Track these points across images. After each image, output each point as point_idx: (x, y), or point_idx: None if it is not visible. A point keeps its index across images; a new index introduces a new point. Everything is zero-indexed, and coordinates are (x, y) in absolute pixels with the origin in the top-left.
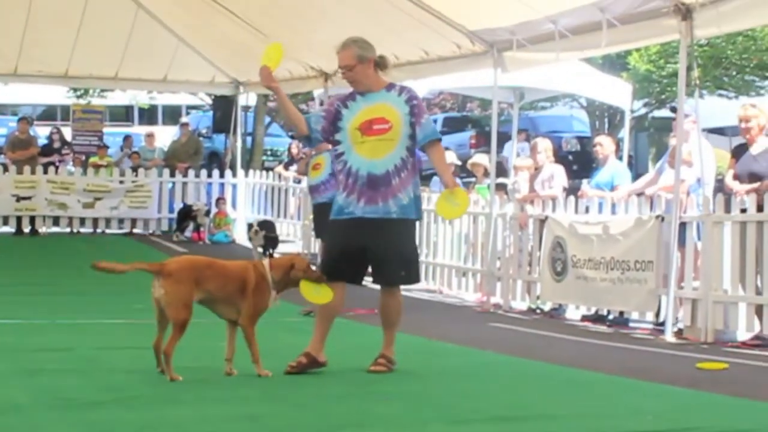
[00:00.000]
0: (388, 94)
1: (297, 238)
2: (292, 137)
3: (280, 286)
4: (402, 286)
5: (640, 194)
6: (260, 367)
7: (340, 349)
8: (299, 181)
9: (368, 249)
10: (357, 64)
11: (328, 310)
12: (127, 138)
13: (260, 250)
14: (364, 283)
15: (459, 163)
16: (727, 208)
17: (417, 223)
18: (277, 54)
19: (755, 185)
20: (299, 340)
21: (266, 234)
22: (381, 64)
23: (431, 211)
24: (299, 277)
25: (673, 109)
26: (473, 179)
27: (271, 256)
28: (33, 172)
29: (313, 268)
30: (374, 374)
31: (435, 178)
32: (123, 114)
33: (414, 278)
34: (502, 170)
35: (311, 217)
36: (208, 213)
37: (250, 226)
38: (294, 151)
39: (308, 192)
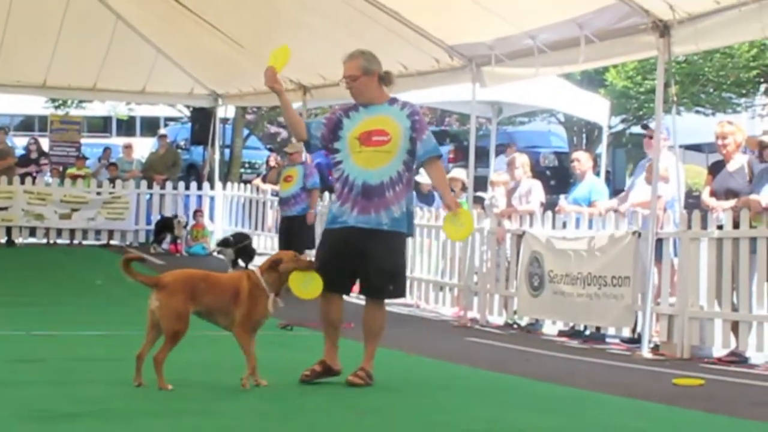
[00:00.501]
0: (391, 108)
1: (275, 250)
2: (270, 150)
3: (275, 287)
4: (388, 301)
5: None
6: (257, 377)
7: (314, 362)
8: (277, 194)
9: (358, 258)
10: (361, 75)
11: (330, 323)
12: (106, 149)
13: (233, 262)
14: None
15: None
16: (704, 225)
17: (408, 239)
18: (284, 56)
19: (732, 202)
20: (276, 354)
21: (238, 247)
22: (386, 79)
23: None
24: (290, 269)
25: (644, 126)
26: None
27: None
28: (10, 182)
29: (301, 258)
30: (351, 387)
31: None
32: (101, 125)
33: (400, 293)
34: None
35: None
36: (186, 225)
37: (224, 241)
38: (272, 163)
39: (279, 203)
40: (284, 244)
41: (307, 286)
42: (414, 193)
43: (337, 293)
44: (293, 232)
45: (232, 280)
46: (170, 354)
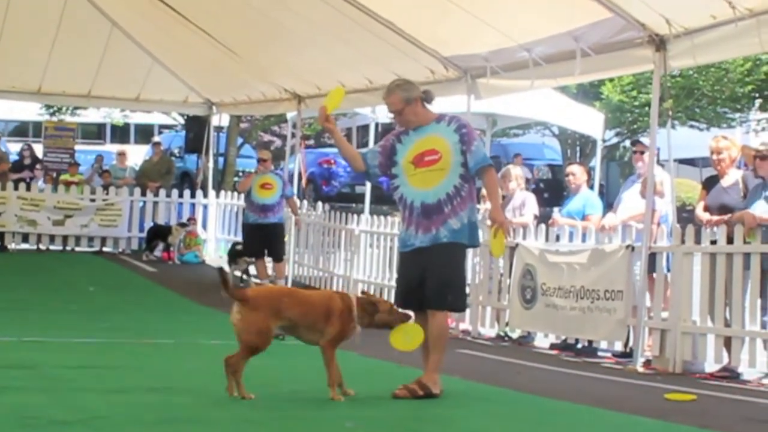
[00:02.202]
0: (438, 126)
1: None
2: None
3: (362, 323)
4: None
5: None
6: (334, 391)
7: (304, 373)
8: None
9: (423, 276)
10: (405, 107)
11: (423, 346)
12: (98, 156)
13: (238, 274)
14: None
15: None
16: (697, 240)
17: (469, 250)
18: (338, 97)
19: (725, 217)
20: (266, 363)
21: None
22: (426, 99)
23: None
24: (384, 320)
25: (633, 143)
26: None
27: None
28: (3, 188)
29: (397, 309)
30: (398, 398)
31: None
32: (95, 132)
33: (460, 305)
34: None
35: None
36: (179, 231)
37: (234, 253)
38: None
39: (253, 210)
40: (259, 251)
41: (410, 338)
42: (476, 204)
43: (418, 311)
44: (272, 240)
45: (323, 298)
46: (162, 362)
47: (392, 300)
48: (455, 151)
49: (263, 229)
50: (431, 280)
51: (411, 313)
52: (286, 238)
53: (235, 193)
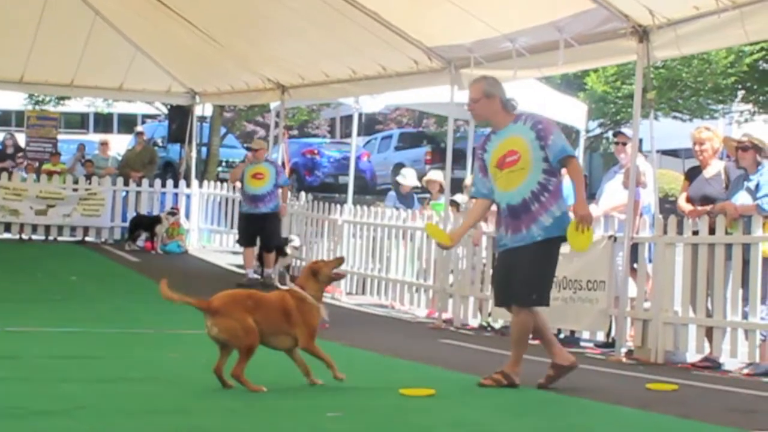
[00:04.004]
0: (515, 126)
1: None
2: (247, 149)
3: (319, 295)
4: (363, 301)
5: None
6: (336, 371)
7: (288, 363)
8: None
9: (509, 274)
10: (482, 98)
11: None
12: (80, 145)
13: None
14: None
15: (419, 184)
16: (680, 230)
17: (563, 239)
18: (438, 232)
19: (707, 208)
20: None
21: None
22: (507, 105)
23: (385, 226)
24: (329, 275)
25: (616, 134)
26: (428, 195)
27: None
28: None
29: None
30: (405, 395)
31: (390, 194)
32: (78, 121)
33: (544, 300)
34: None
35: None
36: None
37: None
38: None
39: (245, 200)
40: (249, 240)
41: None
42: (563, 197)
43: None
44: (266, 229)
45: (278, 301)
46: (145, 352)
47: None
48: (533, 148)
49: (255, 219)
50: (518, 277)
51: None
52: (294, 234)
53: (218, 183)
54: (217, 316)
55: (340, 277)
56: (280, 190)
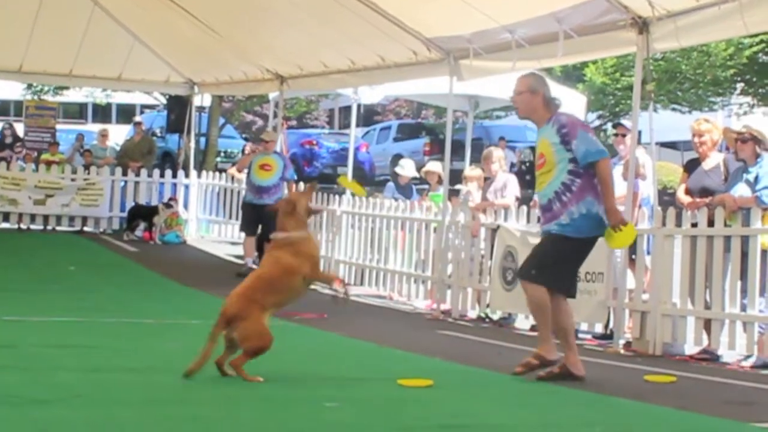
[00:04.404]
0: (546, 127)
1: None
2: (245, 139)
3: (302, 226)
4: (361, 292)
5: None
6: (338, 282)
7: (286, 353)
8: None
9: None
10: (526, 91)
11: (561, 326)
12: (79, 135)
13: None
14: (314, 286)
15: (417, 175)
16: (678, 222)
17: (582, 241)
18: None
19: (706, 200)
20: None
21: None
22: (550, 104)
23: (383, 217)
24: (307, 208)
25: (615, 125)
26: (427, 186)
27: None
28: None
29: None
30: (403, 386)
31: (389, 185)
32: (77, 111)
33: (542, 280)
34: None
35: None
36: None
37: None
38: (248, 153)
39: (250, 190)
40: (252, 230)
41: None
42: (591, 197)
43: (554, 296)
44: (266, 221)
45: (271, 264)
46: (143, 341)
47: None
48: (557, 151)
49: (258, 209)
50: (532, 259)
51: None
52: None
53: (217, 173)
54: (237, 322)
55: (318, 211)
56: (285, 184)
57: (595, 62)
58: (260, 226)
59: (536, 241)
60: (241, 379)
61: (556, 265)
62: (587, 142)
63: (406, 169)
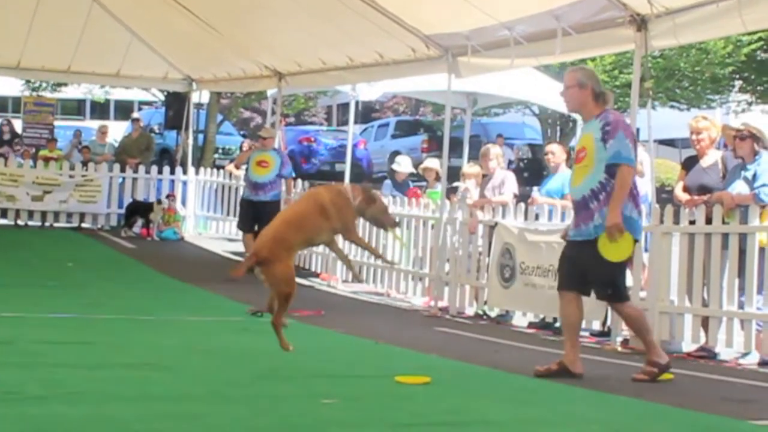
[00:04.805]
0: (593, 123)
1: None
2: (243, 135)
3: (360, 211)
4: (359, 289)
5: None
6: (385, 256)
7: (281, 350)
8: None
9: (580, 267)
10: (574, 86)
11: (569, 321)
12: (76, 131)
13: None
14: (311, 283)
15: (414, 170)
16: (676, 220)
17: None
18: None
19: (704, 197)
20: (244, 340)
21: None
22: (598, 98)
23: None
24: (377, 217)
25: None
26: (425, 183)
27: None
28: None
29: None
30: (401, 382)
31: (386, 182)
32: (75, 108)
33: (618, 296)
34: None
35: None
36: (162, 209)
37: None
38: (245, 148)
39: (247, 186)
40: (249, 227)
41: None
42: (631, 199)
43: (567, 291)
44: (265, 216)
45: (309, 202)
46: (140, 338)
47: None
48: (598, 147)
49: (254, 206)
50: (591, 278)
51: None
52: None
53: (215, 170)
54: (263, 264)
55: (381, 224)
56: (283, 181)
57: (593, 59)
58: (257, 223)
59: (534, 238)
60: (239, 376)
61: (617, 275)
62: (622, 144)
63: (403, 165)
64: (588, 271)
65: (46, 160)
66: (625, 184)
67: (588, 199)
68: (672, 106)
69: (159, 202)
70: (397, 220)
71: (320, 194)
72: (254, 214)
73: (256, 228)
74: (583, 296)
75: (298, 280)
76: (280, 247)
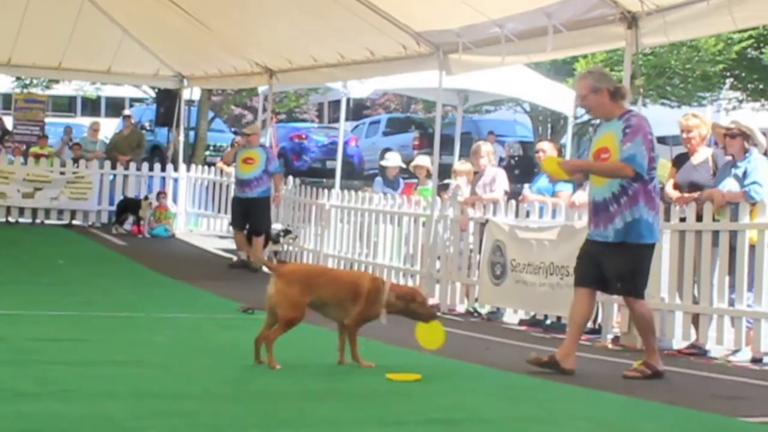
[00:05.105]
0: (616, 123)
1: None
2: (235, 133)
3: (393, 309)
4: None
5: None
6: (362, 361)
7: (275, 347)
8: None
9: (599, 266)
10: (589, 93)
11: (577, 318)
12: (67, 128)
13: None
14: None
15: (404, 165)
16: (667, 217)
17: (649, 246)
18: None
19: (695, 194)
20: (235, 337)
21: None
22: (617, 94)
23: (372, 211)
24: (416, 310)
25: None
26: (416, 180)
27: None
28: None
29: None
30: (392, 380)
31: (377, 179)
32: (66, 105)
33: (635, 291)
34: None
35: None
36: (150, 206)
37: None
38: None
39: (236, 184)
40: (240, 225)
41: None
42: (648, 203)
43: (582, 287)
44: (252, 214)
45: (352, 279)
46: (132, 335)
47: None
48: (621, 150)
49: (243, 203)
50: (609, 275)
51: (437, 315)
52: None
53: (206, 167)
54: (282, 280)
55: (419, 317)
56: (270, 177)
57: (585, 56)
58: (247, 220)
59: (525, 235)
60: (230, 372)
61: (634, 273)
62: (634, 148)
63: (391, 160)
64: (607, 265)
65: (37, 157)
66: (614, 167)
67: (609, 202)
68: (663, 104)
69: (146, 198)
70: (436, 313)
71: (364, 281)
72: (243, 212)
73: (248, 226)
74: (603, 293)
75: None
76: (305, 279)
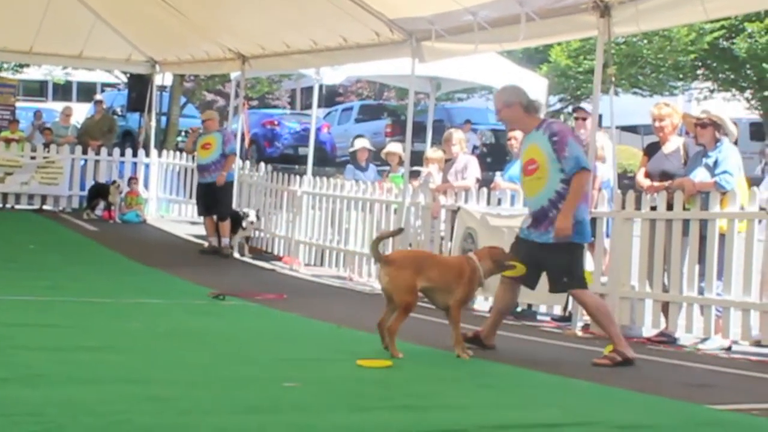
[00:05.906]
0: (536, 134)
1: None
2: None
3: (488, 275)
4: (321, 273)
5: None
6: (461, 348)
7: (245, 333)
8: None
9: (537, 265)
10: (503, 108)
11: (502, 306)
12: (37, 112)
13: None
14: (273, 267)
15: (373, 149)
16: (638, 206)
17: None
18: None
19: (666, 183)
20: (206, 323)
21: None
22: (529, 107)
23: (344, 198)
24: (504, 264)
25: (575, 109)
26: (388, 167)
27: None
28: None
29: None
30: (363, 366)
31: (348, 166)
32: (37, 89)
33: (575, 284)
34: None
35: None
36: (121, 192)
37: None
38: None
39: (197, 169)
40: (204, 210)
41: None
42: (586, 203)
43: (512, 281)
44: (213, 198)
45: (456, 262)
46: (103, 321)
47: None
48: (551, 159)
49: (203, 188)
50: (550, 273)
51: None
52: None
53: (177, 153)
54: (392, 267)
55: (508, 268)
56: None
57: (560, 44)
58: (208, 204)
59: (497, 222)
60: (197, 358)
61: (575, 268)
62: (577, 151)
63: (358, 143)
64: (542, 264)
65: (8, 141)
66: (582, 188)
67: (547, 209)
68: (635, 93)
69: (115, 183)
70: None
71: (465, 264)
72: (203, 197)
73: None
74: (529, 289)
75: (259, 263)
76: (414, 263)
